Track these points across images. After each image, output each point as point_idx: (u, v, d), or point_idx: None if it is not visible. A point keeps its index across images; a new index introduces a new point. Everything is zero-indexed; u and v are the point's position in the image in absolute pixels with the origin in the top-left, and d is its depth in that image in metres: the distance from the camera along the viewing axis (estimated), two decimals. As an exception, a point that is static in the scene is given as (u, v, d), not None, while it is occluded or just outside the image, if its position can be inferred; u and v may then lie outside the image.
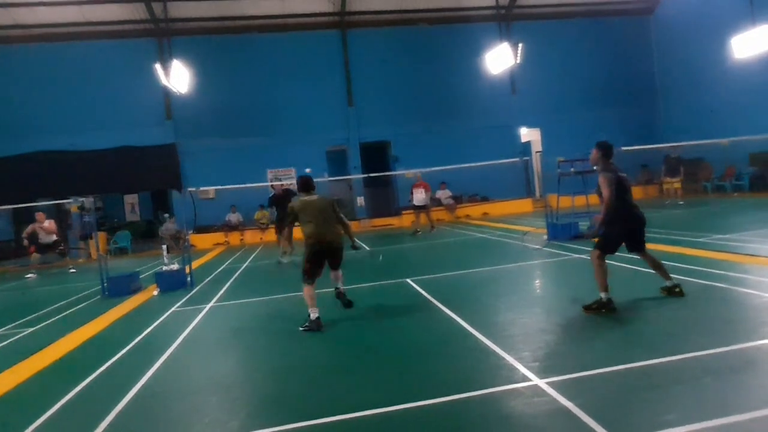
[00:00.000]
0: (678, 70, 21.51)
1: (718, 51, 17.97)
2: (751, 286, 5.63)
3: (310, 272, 5.92)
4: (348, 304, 6.48)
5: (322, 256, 6.07)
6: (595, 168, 5.73)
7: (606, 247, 5.39)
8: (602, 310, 5.16)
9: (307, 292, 5.81)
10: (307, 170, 19.81)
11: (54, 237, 13.71)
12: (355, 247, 6.53)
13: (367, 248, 10.46)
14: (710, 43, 18.84)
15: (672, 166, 16.50)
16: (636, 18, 22.65)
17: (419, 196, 15.27)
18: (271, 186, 11.47)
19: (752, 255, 7.27)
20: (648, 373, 3.61)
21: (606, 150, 5.51)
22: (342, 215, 6.33)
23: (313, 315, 5.63)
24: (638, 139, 17.22)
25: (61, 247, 14.28)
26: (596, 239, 5.61)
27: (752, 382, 3.41)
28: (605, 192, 5.19)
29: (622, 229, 5.37)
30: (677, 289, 5.47)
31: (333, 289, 6.56)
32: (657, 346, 4.08)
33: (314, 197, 6.19)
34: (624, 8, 22.33)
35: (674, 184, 16.65)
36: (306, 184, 6.26)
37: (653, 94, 22.77)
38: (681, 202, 16.21)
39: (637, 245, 5.55)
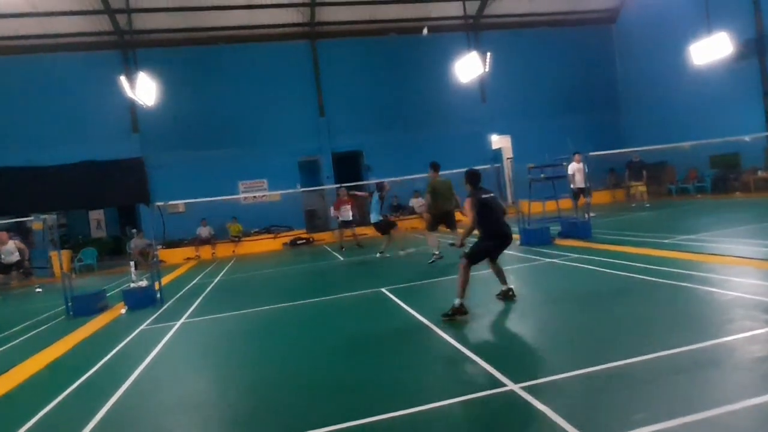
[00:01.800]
0: (640, 76, 22.22)
1: (677, 58, 18.66)
2: (715, 285, 5.79)
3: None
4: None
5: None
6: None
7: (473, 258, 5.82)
8: (457, 316, 5.49)
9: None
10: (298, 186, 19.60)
11: (17, 256, 13.18)
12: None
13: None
14: (670, 50, 19.55)
15: (635, 171, 17.04)
16: (598, 27, 23.34)
17: (346, 213, 15.28)
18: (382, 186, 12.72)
19: (715, 254, 7.50)
20: (619, 374, 3.66)
21: (470, 178, 6.04)
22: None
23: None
24: (604, 144, 17.61)
25: (24, 267, 13.71)
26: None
27: (719, 379, 3.49)
28: (469, 214, 5.74)
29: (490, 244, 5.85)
30: (511, 293, 6.02)
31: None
32: (627, 347, 4.14)
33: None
34: (587, 17, 22.98)
35: (639, 187, 17.19)
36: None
37: (617, 101, 23.44)
38: (648, 205, 16.67)
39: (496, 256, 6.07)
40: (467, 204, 5.72)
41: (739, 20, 16.95)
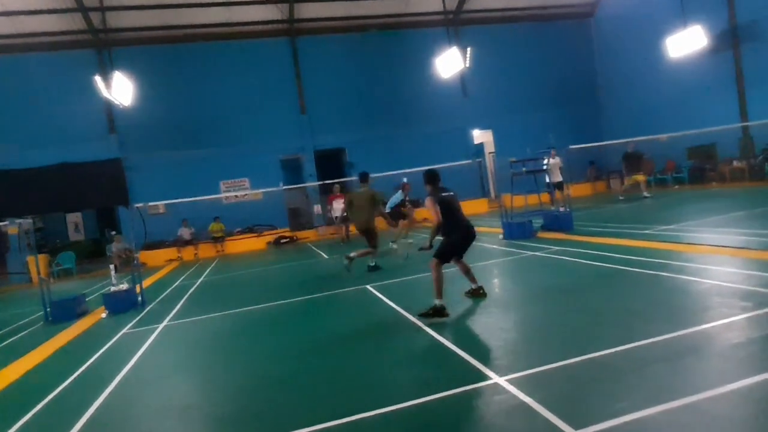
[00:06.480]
0: (618, 70, 22.52)
1: (654, 51, 18.95)
2: (692, 274, 5.91)
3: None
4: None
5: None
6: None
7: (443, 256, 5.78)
8: (436, 318, 5.37)
9: None
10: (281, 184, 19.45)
11: None
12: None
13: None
14: (646, 43, 19.85)
15: (633, 161, 16.35)
16: (577, 21, 23.57)
17: (340, 206, 15.38)
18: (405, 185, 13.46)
19: (693, 244, 7.65)
20: (601, 364, 3.72)
21: (430, 178, 5.93)
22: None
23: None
24: (585, 137, 17.81)
25: None
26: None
27: (697, 365, 3.57)
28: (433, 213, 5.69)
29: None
30: (481, 291, 6.10)
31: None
32: (608, 337, 4.20)
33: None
34: (565, 12, 23.20)
35: (638, 177, 16.52)
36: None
37: (596, 94, 23.72)
38: (648, 195, 16.12)
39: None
40: (429, 203, 5.70)
41: (713, 13, 17.27)
